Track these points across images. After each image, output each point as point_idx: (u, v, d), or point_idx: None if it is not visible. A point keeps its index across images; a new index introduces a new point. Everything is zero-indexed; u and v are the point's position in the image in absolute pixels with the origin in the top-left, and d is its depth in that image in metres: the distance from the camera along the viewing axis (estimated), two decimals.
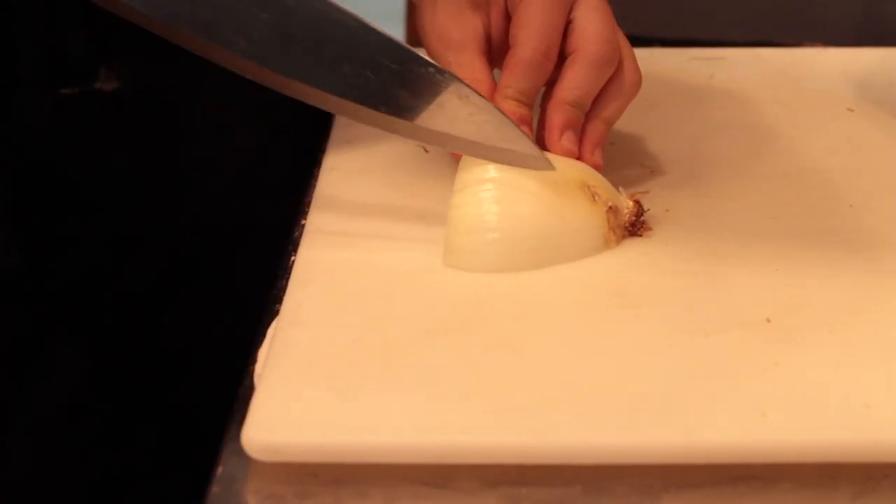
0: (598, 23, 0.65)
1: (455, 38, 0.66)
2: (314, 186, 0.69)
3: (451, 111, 0.60)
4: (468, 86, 0.60)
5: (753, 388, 0.51)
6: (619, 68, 0.66)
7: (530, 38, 0.64)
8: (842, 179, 0.70)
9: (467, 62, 0.65)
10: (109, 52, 0.62)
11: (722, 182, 0.70)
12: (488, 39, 0.67)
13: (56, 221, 0.71)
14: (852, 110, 0.80)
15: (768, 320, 0.56)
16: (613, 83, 0.66)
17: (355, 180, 0.68)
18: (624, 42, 0.67)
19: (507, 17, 0.67)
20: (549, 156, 0.64)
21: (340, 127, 0.76)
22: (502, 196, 0.61)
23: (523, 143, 0.60)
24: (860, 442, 0.49)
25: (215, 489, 0.49)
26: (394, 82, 0.59)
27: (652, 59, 0.71)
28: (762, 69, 0.87)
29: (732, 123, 0.78)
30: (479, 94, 0.61)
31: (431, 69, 0.60)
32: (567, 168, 0.63)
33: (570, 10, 0.65)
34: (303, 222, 0.66)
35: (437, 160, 0.70)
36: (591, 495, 0.49)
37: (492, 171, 0.61)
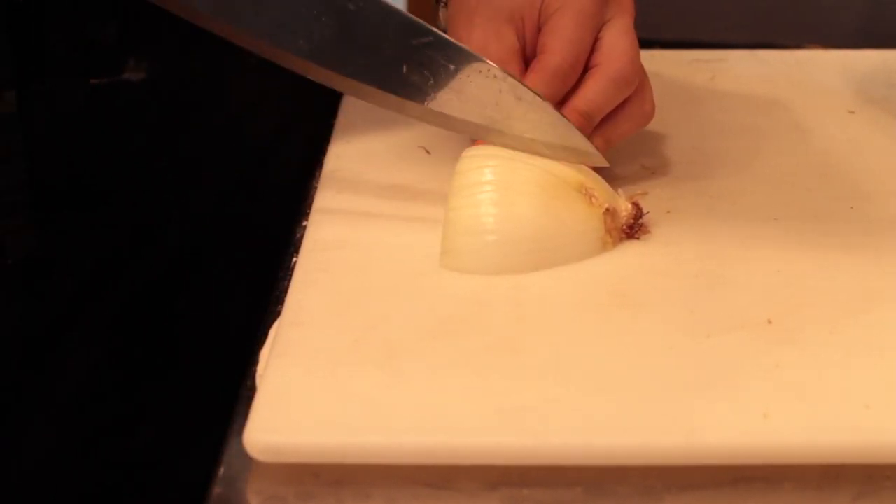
0: (624, 44, 0.66)
1: (494, 56, 0.66)
2: (315, 188, 0.69)
3: (507, 110, 0.62)
4: (521, 83, 0.62)
5: (754, 389, 0.51)
6: (635, 94, 0.67)
7: (560, 48, 0.65)
8: (843, 181, 0.70)
9: None
10: (138, 43, 0.63)
11: (723, 183, 0.70)
12: (524, 56, 0.68)
13: (77, 210, 0.72)
14: (853, 112, 0.80)
15: (769, 321, 0.56)
16: (626, 106, 0.67)
17: (356, 182, 0.68)
18: (644, 73, 0.68)
19: (539, 31, 0.67)
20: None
21: (342, 128, 0.76)
22: (500, 198, 0.61)
23: (578, 140, 0.62)
24: (861, 443, 0.49)
25: (217, 490, 0.49)
26: (449, 83, 0.61)
27: (653, 61, 0.71)
28: (763, 71, 0.87)
29: (733, 125, 0.78)
30: (533, 92, 0.62)
31: (484, 67, 0.61)
32: (565, 170, 0.63)
33: (599, 30, 0.66)
34: (304, 224, 0.66)
35: (438, 161, 0.70)
36: (592, 496, 0.49)
37: (489, 173, 0.61)
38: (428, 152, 0.72)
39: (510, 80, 0.62)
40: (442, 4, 0.72)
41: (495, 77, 0.62)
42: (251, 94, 0.67)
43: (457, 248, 0.61)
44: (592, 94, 0.65)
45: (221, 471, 0.50)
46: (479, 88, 0.62)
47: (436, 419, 0.50)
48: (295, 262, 0.62)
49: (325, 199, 0.68)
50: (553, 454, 0.49)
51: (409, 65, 0.61)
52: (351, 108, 0.79)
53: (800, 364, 0.53)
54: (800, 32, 1.11)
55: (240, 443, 0.49)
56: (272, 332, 0.57)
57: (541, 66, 0.65)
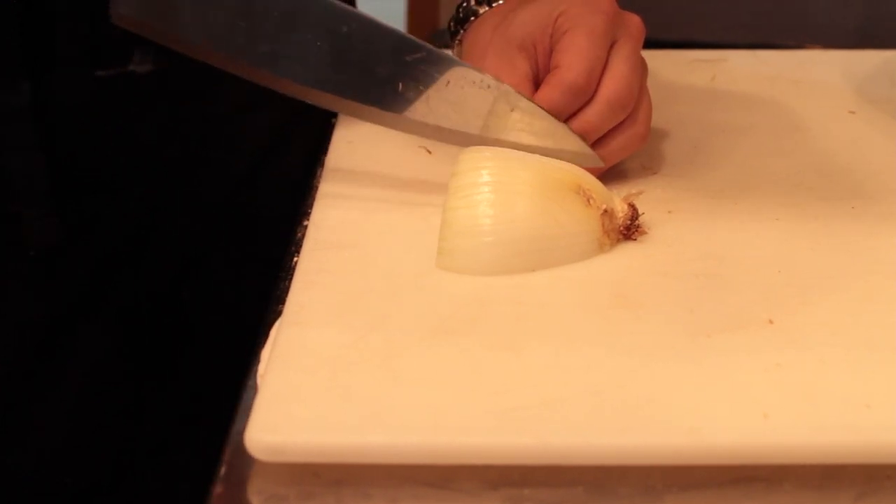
0: (626, 68, 0.66)
1: (507, 84, 0.67)
2: (316, 187, 0.70)
3: (503, 118, 0.64)
4: (515, 92, 0.64)
5: (755, 388, 0.51)
6: (630, 117, 0.67)
7: (574, 64, 0.66)
8: (843, 181, 0.70)
9: None
10: (144, 36, 0.64)
11: (723, 184, 0.70)
12: (537, 82, 0.68)
13: (87, 200, 0.72)
14: (853, 112, 0.80)
15: (770, 321, 0.56)
16: (621, 128, 0.67)
17: (356, 181, 0.68)
18: (646, 96, 0.69)
19: (550, 57, 0.68)
20: (546, 158, 0.64)
21: (342, 128, 0.76)
22: (497, 199, 0.61)
23: (574, 143, 0.64)
24: (862, 443, 0.49)
25: (218, 489, 0.49)
26: (444, 95, 0.63)
27: (654, 62, 0.71)
28: (763, 71, 0.87)
29: (734, 125, 0.78)
30: (526, 98, 0.64)
31: (478, 77, 0.63)
32: (562, 171, 0.63)
33: (608, 51, 0.67)
34: (305, 223, 0.66)
35: (439, 161, 0.70)
36: (593, 496, 0.49)
37: (486, 174, 0.61)
38: (429, 152, 0.72)
39: (504, 87, 0.64)
40: (457, 42, 0.73)
41: (489, 86, 0.64)
42: (251, 93, 0.67)
43: (453, 249, 0.61)
44: (589, 115, 0.66)
45: (222, 470, 0.50)
46: (473, 99, 0.63)
47: (436, 419, 0.50)
48: (296, 262, 0.62)
49: (326, 198, 0.68)
50: (553, 454, 0.49)
51: (405, 81, 0.63)
52: None
53: (800, 364, 0.53)
54: (800, 32, 1.11)
55: (241, 442, 0.49)
56: (273, 331, 0.57)
57: (555, 81, 0.66)
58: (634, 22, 0.69)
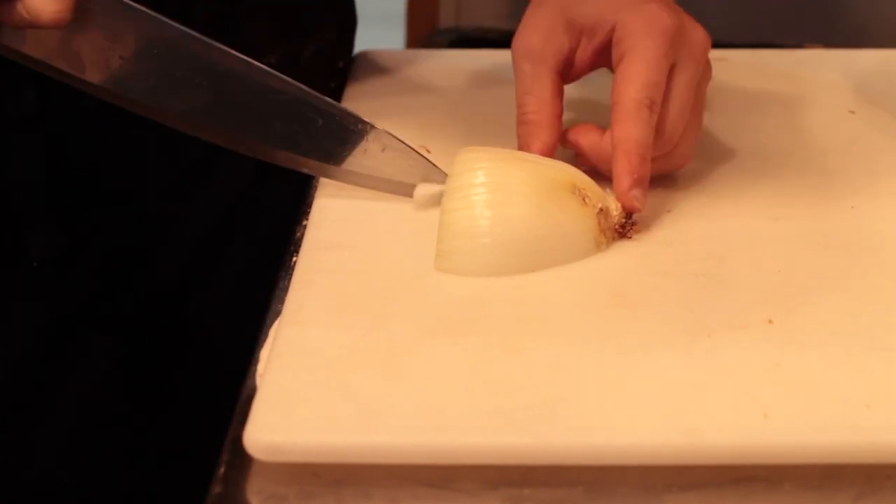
0: (679, 105, 0.65)
1: (536, 50, 0.67)
2: (316, 187, 0.70)
3: (374, 157, 0.66)
4: (391, 136, 0.65)
5: (755, 388, 0.51)
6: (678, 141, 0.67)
7: (641, 89, 0.63)
8: (843, 181, 0.70)
9: (538, 76, 0.67)
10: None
11: (723, 183, 0.70)
12: (569, 63, 0.68)
13: (91, 209, 0.72)
14: (853, 112, 0.80)
15: (770, 321, 0.56)
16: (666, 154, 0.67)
17: None
18: (697, 114, 0.67)
19: (596, 55, 0.68)
20: (541, 158, 0.64)
21: None
22: (494, 200, 0.61)
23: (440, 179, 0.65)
24: (861, 443, 0.49)
25: (217, 489, 0.49)
26: (318, 133, 0.65)
27: None
28: (763, 71, 0.87)
29: (733, 125, 0.78)
30: (397, 139, 0.66)
31: (351, 119, 0.65)
32: (557, 171, 0.63)
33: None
34: (305, 223, 0.66)
35: (437, 161, 0.70)
36: (592, 496, 0.49)
37: (481, 175, 0.61)
38: (428, 151, 0.71)
39: (376, 130, 0.65)
40: None
41: (360, 127, 0.65)
42: None
43: (452, 251, 0.61)
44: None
45: (221, 470, 0.50)
46: (347, 138, 0.65)
47: (436, 419, 0.50)
48: (295, 262, 0.62)
49: (325, 198, 0.68)
50: (553, 454, 0.49)
51: (281, 119, 0.64)
52: (351, 107, 0.79)
53: (800, 364, 0.53)
54: (800, 32, 1.11)
55: (240, 442, 0.49)
56: (272, 331, 0.57)
57: (636, 116, 0.63)
58: (698, 39, 0.66)
